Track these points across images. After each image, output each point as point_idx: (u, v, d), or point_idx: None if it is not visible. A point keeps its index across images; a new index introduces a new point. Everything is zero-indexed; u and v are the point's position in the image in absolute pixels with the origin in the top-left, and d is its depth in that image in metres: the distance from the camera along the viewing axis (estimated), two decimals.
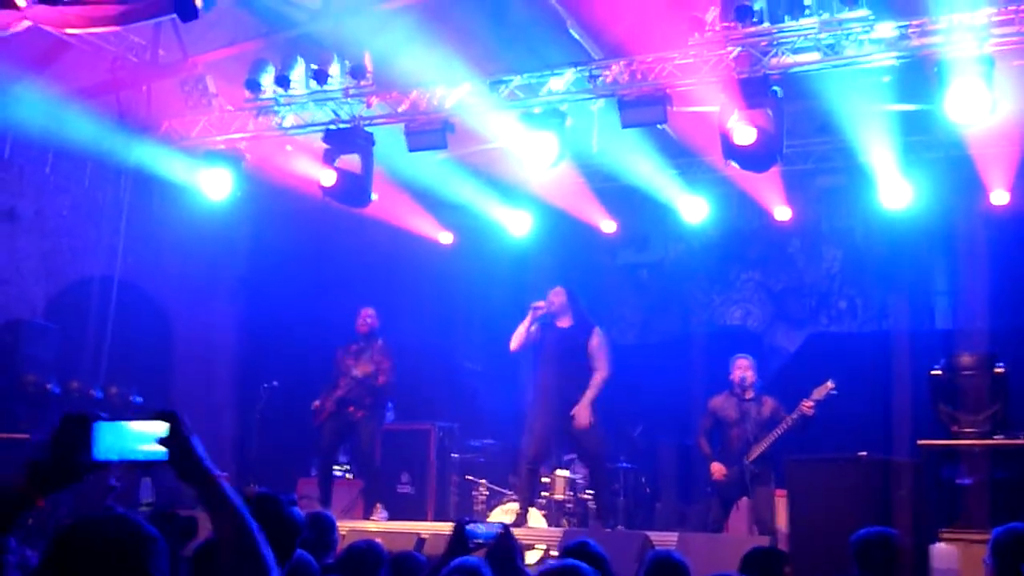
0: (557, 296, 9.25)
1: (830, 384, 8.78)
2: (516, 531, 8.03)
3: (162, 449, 2.18)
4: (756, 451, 8.87)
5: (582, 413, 8.94)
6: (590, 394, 9.00)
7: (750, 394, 9.03)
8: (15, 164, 10.58)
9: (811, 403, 8.76)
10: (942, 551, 7.33)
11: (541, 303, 9.22)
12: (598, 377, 9.05)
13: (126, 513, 1.93)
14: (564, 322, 9.26)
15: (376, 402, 10.26)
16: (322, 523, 5.11)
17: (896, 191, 10.90)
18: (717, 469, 9.09)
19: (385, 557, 4.91)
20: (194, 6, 7.07)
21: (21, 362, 9.68)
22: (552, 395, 9.15)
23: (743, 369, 9.12)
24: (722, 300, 13.55)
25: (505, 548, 3.90)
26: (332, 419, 10.14)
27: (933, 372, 8.58)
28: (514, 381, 11.65)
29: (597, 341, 9.14)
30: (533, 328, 9.25)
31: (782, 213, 12.24)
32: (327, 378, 10.34)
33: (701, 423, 9.40)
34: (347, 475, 11.65)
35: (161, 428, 2.18)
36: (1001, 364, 8.45)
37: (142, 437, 2.18)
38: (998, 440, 8.21)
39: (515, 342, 9.28)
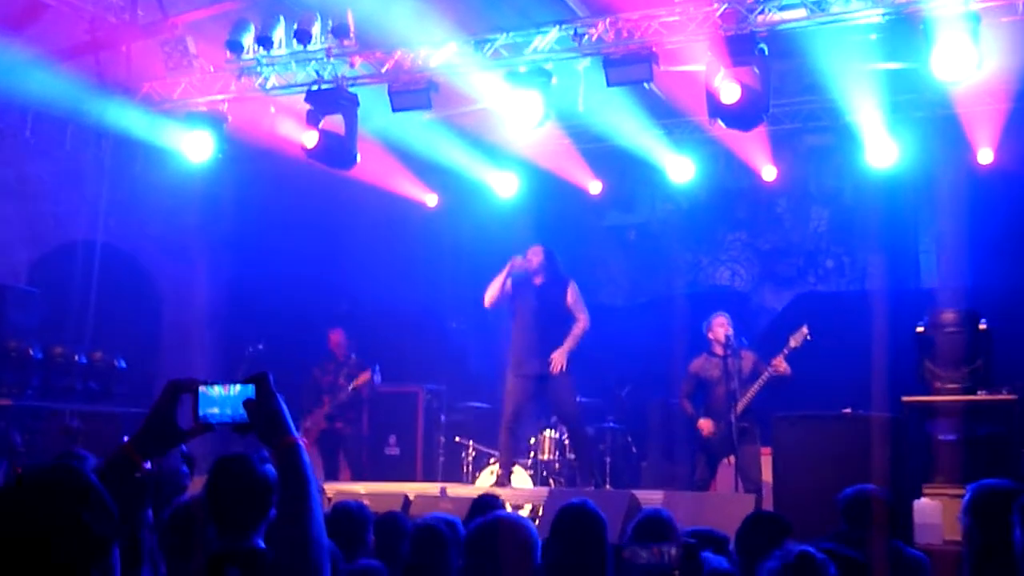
0: (535, 255, 9.26)
1: (804, 329, 8.81)
2: (501, 492, 8.08)
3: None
4: (740, 405, 8.89)
5: (558, 360, 9.01)
6: (569, 343, 9.09)
7: (729, 351, 9.03)
8: None
9: (782, 359, 8.79)
10: (925, 506, 7.40)
11: (519, 258, 9.21)
12: (579, 327, 9.14)
13: (70, 465, 1.89)
14: (540, 279, 9.28)
15: (358, 414, 11.07)
16: None
17: (883, 150, 10.91)
18: (705, 425, 9.14)
19: (371, 518, 4.92)
20: None
21: (4, 328, 9.63)
22: (529, 354, 9.18)
23: (726, 327, 9.14)
24: (709, 260, 13.53)
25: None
26: (324, 436, 10.80)
27: (918, 329, 8.60)
28: (502, 343, 11.66)
29: (573, 295, 9.22)
30: (508, 284, 9.24)
31: (769, 173, 12.22)
32: (312, 356, 11.11)
33: (682, 387, 9.46)
34: None
35: (249, 390, 2.26)
36: (984, 320, 8.47)
37: (234, 399, 2.27)
38: (980, 396, 8.25)
39: (489, 297, 9.32)
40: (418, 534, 4.53)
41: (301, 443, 2.24)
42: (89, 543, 1.81)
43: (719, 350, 9.15)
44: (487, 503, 5.58)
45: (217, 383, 2.30)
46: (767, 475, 8.52)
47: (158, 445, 2.29)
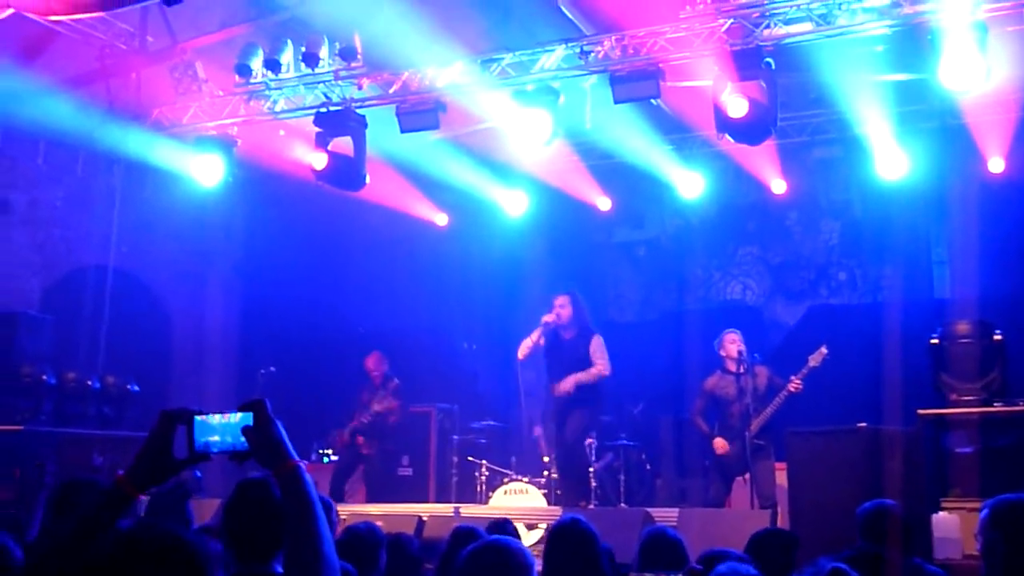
0: (563, 308, 9.37)
1: (824, 350, 8.79)
2: (518, 511, 8.04)
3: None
4: (757, 423, 8.85)
5: (567, 383, 9.19)
6: (582, 375, 9.23)
7: (743, 367, 8.99)
8: (7, 155, 10.53)
9: (799, 380, 8.78)
10: (943, 520, 7.33)
11: (551, 316, 9.30)
12: (595, 369, 9.30)
13: (178, 534, 1.84)
14: (569, 333, 9.42)
15: (381, 438, 10.87)
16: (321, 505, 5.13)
17: (892, 161, 10.86)
18: (720, 444, 9.09)
19: (383, 540, 4.90)
20: None
21: (17, 354, 9.63)
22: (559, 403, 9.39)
23: (738, 343, 9.11)
24: (721, 275, 13.50)
25: None
26: (347, 449, 10.80)
27: (932, 341, 8.53)
28: (512, 362, 11.66)
29: (596, 345, 9.37)
30: (540, 340, 9.41)
31: (779, 186, 12.19)
32: (324, 378, 11.43)
33: (696, 404, 9.44)
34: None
35: (247, 418, 2.26)
36: (999, 332, 8.40)
37: (232, 427, 2.27)
38: (997, 408, 8.17)
39: (523, 352, 9.47)
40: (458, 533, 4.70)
41: (302, 466, 2.23)
42: None
43: (732, 367, 9.12)
44: (500, 527, 5.61)
45: (213, 412, 2.28)
46: (783, 491, 8.46)
47: (154, 476, 2.27)
